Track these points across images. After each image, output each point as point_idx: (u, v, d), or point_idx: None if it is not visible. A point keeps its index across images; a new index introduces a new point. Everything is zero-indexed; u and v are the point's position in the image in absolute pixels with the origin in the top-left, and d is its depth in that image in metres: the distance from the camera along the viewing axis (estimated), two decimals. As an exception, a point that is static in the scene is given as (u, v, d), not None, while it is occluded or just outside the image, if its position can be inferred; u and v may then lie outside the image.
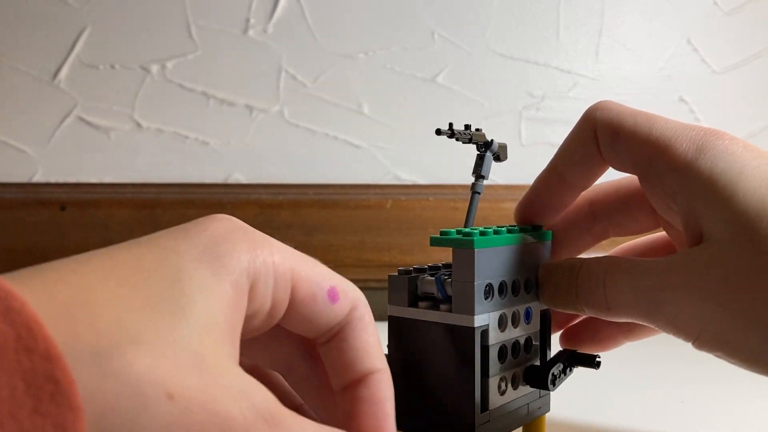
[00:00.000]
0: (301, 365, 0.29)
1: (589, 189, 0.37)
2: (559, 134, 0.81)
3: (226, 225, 0.24)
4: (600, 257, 0.33)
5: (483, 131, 0.37)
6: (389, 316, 0.35)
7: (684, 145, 0.30)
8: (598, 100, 0.34)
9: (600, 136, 0.33)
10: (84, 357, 0.18)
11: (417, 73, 0.81)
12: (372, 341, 0.27)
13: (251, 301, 0.24)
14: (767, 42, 0.81)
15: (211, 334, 0.21)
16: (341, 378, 0.27)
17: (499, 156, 0.37)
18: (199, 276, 0.22)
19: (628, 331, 0.38)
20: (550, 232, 0.36)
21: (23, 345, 0.16)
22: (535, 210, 0.36)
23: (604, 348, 0.38)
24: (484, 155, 0.37)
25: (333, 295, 0.26)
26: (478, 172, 0.37)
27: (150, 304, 0.21)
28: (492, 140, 0.37)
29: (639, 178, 0.33)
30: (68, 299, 0.19)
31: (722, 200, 0.28)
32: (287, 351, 0.29)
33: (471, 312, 0.31)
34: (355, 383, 0.27)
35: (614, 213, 0.36)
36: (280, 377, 0.29)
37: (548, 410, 0.37)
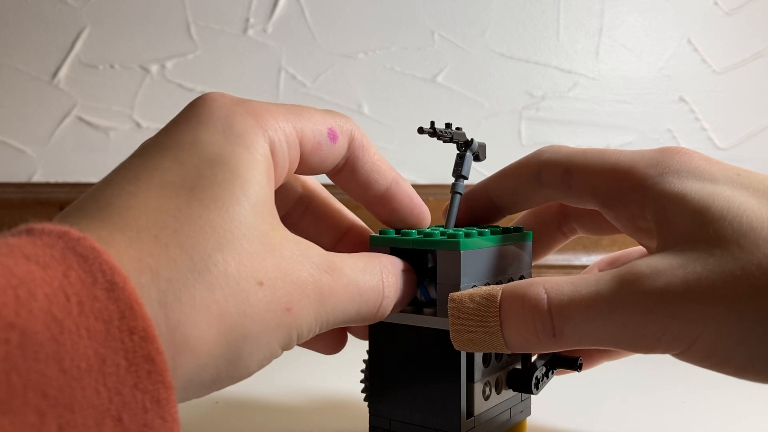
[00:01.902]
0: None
1: None
2: (559, 134, 0.81)
3: (221, 103, 0.26)
4: (531, 280, 0.29)
5: (463, 130, 0.36)
6: None
7: (644, 164, 0.30)
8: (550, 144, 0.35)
9: (549, 175, 0.33)
10: (186, 278, 0.21)
11: (417, 73, 0.81)
12: (376, 159, 0.31)
13: (275, 167, 0.26)
14: (767, 42, 0.80)
15: (265, 207, 0.24)
16: (364, 196, 0.32)
17: (479, 155, 0.37)
18: (235, 156, 0.24)
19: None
20: (531, 232, 0.36)
21: (126, 325, 0.18)
22: (468, 215, 0.37)
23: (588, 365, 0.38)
24: (465, 155, 0.36)
25: (333, 136, 0.29)
26: (459, 172, 0.36)
27: (209, 202, 0.23)
28: (472, 139, 0.36)
29: (601, 208, 0.32)
30: (149, 241, 0.21)
31: (700, 206, 0.27)
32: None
33: (456, 315, 0.31)
34: (380, 196, 0.32)
35: (583, 214, 0.36)
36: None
37: (529, 414, 0.37)
